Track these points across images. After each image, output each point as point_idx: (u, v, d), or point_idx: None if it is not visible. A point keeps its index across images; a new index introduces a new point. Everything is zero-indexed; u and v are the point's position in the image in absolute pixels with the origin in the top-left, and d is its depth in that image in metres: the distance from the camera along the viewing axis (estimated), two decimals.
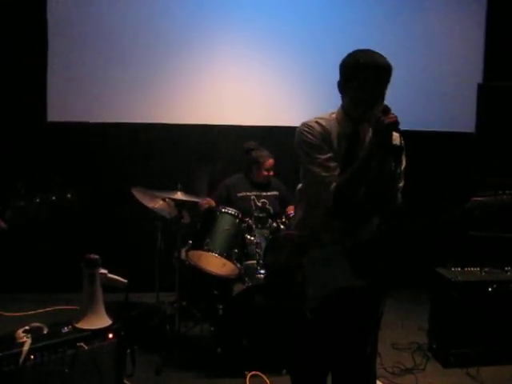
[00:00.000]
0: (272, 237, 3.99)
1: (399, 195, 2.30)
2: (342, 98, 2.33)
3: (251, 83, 5.27)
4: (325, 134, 2.28)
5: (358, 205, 2.23)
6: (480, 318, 3.97)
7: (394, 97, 2.30)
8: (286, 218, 4.16)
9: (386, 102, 2.18)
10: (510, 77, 5.07)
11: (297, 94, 5.27)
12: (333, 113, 2.37)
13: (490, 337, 3.98)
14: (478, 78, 5.49)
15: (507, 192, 2.72)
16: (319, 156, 2.25)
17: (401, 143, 2.12)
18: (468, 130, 5.16)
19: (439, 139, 5.42)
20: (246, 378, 3.53)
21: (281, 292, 2.50)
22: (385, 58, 2.21)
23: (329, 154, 2.25)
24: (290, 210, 4.36)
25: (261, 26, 5.23)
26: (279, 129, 5.09)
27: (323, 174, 2.23)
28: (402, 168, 2.22)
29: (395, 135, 2.11)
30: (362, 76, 2.18)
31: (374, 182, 2.16)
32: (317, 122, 2.31)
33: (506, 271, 4.26)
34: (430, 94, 5.44)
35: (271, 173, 4.51)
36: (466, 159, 5.04)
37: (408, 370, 3.86)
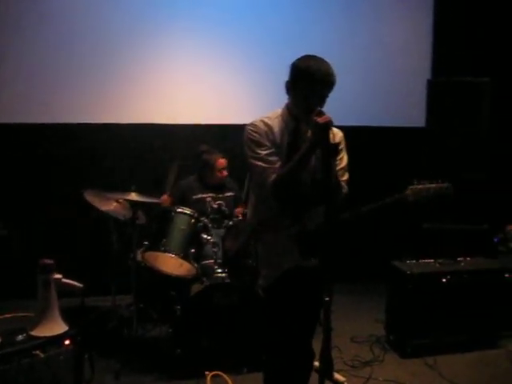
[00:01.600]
0: (230, 224, 4.00)
1: (345, 186, 2.54)
2: (288, 97, 2.55)
3: (205, 82, 5.22)
4: (268, 130, 2.51)
5: (303, 194, 2.48)
6: (435, 309, 4.07)
7: (347, 94, 2.37)
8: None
9: (340, 99, 2.36)
10: (457, 72, 5.20)
11: (251, 92, 5.27)
12: (278, 111, 2.60)
13: (445, 326, 4.08)
14: (427, 73, 5.60)
15: (444, 181, 2.79)
16: (261, 151, 2.47)
17: (335, 142, 2.37)
18: (419, 125, 5.25)
19: (391, 134, 5.50)
20: (206, 378, 3.50)
21: (237, 274, 2.63)
22: (332, 69, 2.42)
23: (270, 150, 2.48)
24: (238, 213, 4.37)
25: (215, 25, 5.20)
26: (234, 127, 5.05)
27: (264, 165, 2.45)
28: (345, 163, 2.57)
29: (332, 133, 2.31)
30: (310, 82, 2.39)
31: (318, 173, 2.41)
32: (262, 120, 2.54)
33: (459, 262, 4.37)
34: (381, 90, 5.52)
35: (224, 173, 4.48)
36: (417, 153, 5.13)
37: (367, 363, 3.92)
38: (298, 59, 2.47)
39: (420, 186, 2.84)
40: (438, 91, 5.00)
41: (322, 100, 2.43)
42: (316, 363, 2.63)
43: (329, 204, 2.23)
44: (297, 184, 2.44)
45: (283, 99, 2.58)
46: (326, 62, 2.43)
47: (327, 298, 2.16)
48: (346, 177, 2.57)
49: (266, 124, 2.52)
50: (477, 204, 5.23)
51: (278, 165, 2.45)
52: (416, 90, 5.31)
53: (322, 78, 2.38)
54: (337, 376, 3.63)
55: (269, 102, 2.82)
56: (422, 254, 4.47)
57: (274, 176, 2.42)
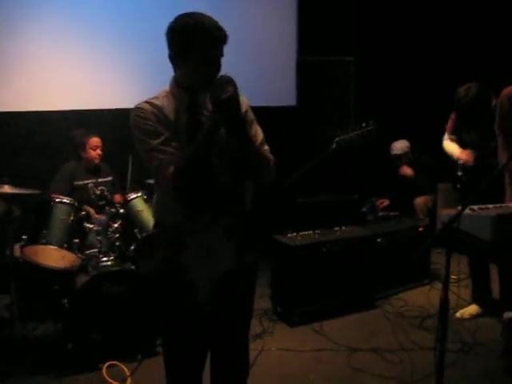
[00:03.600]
0: (136, 242, 3.84)
1: (271, 157, 2.25)
2: (175, 70, 2.15)
3: (78, 66, 4.99)
4: (159, 113, 2.10)
5: (212, 184, 2.10)
6: (318, 277, 4.28)
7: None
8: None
9: None
10: (323, 51, 5.45)
11: (127, 76, 5.12)
12: (166, 89, 2.19)
13: (328, 293, 4.32)
14: (294, 53, 5.76)
15: (366, 125, 2.88)
16: (152, 141, 2.07)
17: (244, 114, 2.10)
18: (290, 103, 5.43)
19: (265, 113, 5.59)
20: (101, 369, 3.41)
21: (168, 294, 2.28)
22: (218, 23, 2.08)
23: (163, 137, 2.07)
24: (118, 199, 4.30)
25: (87, 7, 4.99)
26: (110, 112, 4.89)
27: (160, 157, 2.06)
28: (261, 135, 2.25)
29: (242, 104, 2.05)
30: (196, 40, 2.02)
31: (227, 152, 2.07)
32: (147, 102, 2.13)
33: (336, 231, 4.62)
34: (251, 71, 5.54)
35: (99, 151, 4.39)
36: (291, 130, 5.32)
37: (258, 335, 4.02)
38: (174, 21, 2.08)
39: (344, 137, 2.83)
40: (307, 70, 5.22)
41: (215, 62, 2.09)
42: None
43: (259, 182, 2.08)
44: (202, 173, 2.04)
45: (163, 81, 2.24)
46: (207, 15, 2.09)
47: None
48: (266, 147, 2.27)
49: (154, 106, 2.10)
50: (347, 175, 5.55)
51: (175, 153, 2.07)
52: (286, 70, 5.48)
53: (207, 33, 2.02)
54: None
55: (147, 84, 2.70)
56: (301, 227, 4.66)
57: (172, 168, 2.03)
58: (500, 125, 3.00)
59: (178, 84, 2.16)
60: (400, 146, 5.91)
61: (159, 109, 2.11)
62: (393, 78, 6.07)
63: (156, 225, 2.35)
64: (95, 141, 4.36)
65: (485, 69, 5.34)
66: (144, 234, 3.78)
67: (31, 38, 4.84)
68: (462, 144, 4.13)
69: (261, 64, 5.63)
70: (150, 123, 2.08)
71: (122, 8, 5.13)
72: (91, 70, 5.05)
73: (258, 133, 2.26)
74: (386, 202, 6.01)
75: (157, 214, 2.42)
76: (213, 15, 5.65)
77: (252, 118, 2.27)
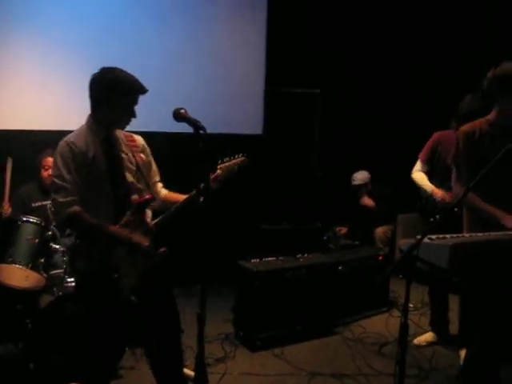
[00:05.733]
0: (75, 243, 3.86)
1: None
2: (96, 109, 2.67)
3: (43, 86, 4.97)
4: (79, 152, 2.56)
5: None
6: (280, 303, 4.36)
7: (193, 103, 2.50)
8: None
9: (184, 104, 2.40)
10: (291, 82, 5.60)
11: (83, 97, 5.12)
12: (82, 127, 2.70)
13: (289, 318, 4.40)
14: (262, 83, 5.89)
15: (242, 155, 2.95)
16: (68, 176, 2.54)
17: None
18: (256, 132, 5.54)
19: (231, 141, 5.69)
20: None
21: (98, 292, 2.59)
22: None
23: (77, 177, 2.54)
24: None
25: (53, 27, 4.98)
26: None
27: (67, 192, 2.52)
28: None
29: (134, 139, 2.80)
30: (129, 92, 2.59)
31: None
32: (71, 142, 2.59)
33: (298, 258, 4.71)
34: (219, 99, 5.65)
35: (49, 171, 4.21)
36: (256, 159, 5.41)
37: (220, 360, 4.06)
38: (106, 72, 2.62)
39: (227, 163, 2.89)
40: (274, 101, 5.36)
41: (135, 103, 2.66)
42: (190, 372, 2.76)
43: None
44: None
45: None
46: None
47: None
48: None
49: (76, 145, 2.57)
50: (310, 204, 5.67)
51: (76, 195, 2.54)
52: (253, 100, 5.59)
53: (139, 87, 2.61)
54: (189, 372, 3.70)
55: None
56: (264, 253, 4.74)
57: (72, 208, 2.52)
58: (454, 159, 3.15)
59: (97, 120, 2.67)
60: (360, 176, 6.10)
61: (79, 148, 2.58)
62: (356, 110, 6.29)
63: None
64: (48, 160, 4.25)
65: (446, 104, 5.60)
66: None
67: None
68: (432, 174, 4.27)
69: (228, 92, 5.72)
70: (71, 159, 2.54)
71: (92, 38, 5.12)
72: (57, 91, 5.03)
73: (156, 173, 2.94)
74: (344, 230, 6.15)
75: None
76: (184, 42, 5.80)
77: (151, 158, 2.91)
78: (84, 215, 2.54)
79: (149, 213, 2.76)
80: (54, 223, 4.03)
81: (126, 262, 2.60)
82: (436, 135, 4.29)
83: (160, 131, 2.93)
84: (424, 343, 4.28)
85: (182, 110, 2.40)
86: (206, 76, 5.61)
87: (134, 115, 2.65)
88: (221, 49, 5.76)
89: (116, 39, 5.19)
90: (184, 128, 2.45)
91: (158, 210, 2.84)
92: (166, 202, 2.86)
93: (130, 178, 2.68)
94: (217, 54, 5.72)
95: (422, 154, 4.34)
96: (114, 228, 2.57)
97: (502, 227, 2.84)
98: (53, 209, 2.66)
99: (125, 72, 2.62)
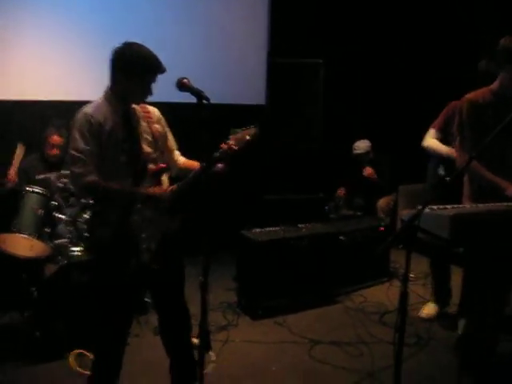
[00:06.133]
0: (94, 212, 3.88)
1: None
2: (116, 82, 2.65)
3: (53, 58, 4.93)
4: (96, 122, 2.56)
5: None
6: (282, 272, 4.41)
7: (196, 73, 2.51)
8: None
9: (187, 75, 2.43)
10: (292, 53, 5.56)
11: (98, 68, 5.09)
12: (101, 98, 2.68)
13: (291, 288, 4.45)
14: (264, 53, 5.84)
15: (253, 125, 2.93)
16: (85, 146, 2.54)
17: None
18: (260, 103, 5.52)
19: (234, 111, 5.68)
20: (69, 358, 3.45)
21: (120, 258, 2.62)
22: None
23: (95, 147, 2.55)
24: None
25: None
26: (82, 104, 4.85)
27: (84, 162, 2.53)
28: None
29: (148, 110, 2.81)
30: (149, 69, 2.59)
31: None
32: (90, 113, 2.57)
33: (300, 228, 4.75)
34: (222, 70, 5.62)
35: (55, 151, 4.34)
36: (259, 128, 5.42)
37: (222, 327, 4.13)
38: (129, 47, 2.60)
39: (239, 134, 2.88)
40: (277, 71, 5.33)
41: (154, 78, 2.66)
42: (195, 340, 2.81)
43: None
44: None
45: None
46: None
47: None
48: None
49: (93, 117, 2.57)
50: (312, 174, 5.69)
51: (92, 165, 2.55)
52: (256, 70, 5.56)
53: (158, 65, 2.60)
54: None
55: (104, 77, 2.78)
56: (267, 223, 4.78)
57: (90, 177, 2.53)
58: (458, 128, 3.15)
59: (115, 94, 2.67)
60: (362, 145, 6.09)
61: (96, 119, 2.57)
62: (359, 80, 6.27)
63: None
64: (55, 139, 4.30)
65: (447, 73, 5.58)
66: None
67: (5, 25, 4.77)
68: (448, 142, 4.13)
69: (232, 63, 5.69)
70: (89, 130, 2.55)
71: (99, 11, 5.11)
72: (66, 62, 5.00)
73: (173, 142, 2.96)
74: (343, 191, 6.18)
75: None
76: (185, 14, 5.73)
77: (167, 129, 2.91)
78: (101, 182, 2.57)
79: (165, 181, 2.80)
80: (57, 194, 4.08)
81: (146, 228, 2.64)
82: (453, 103, 4.10)
83: (160, 101, 2.91)
84: (425, 315, 4.29)
85: (185, 80, 2.41)
86: (209, 46, 5.57)
87: (151, 92, 2.67)
88: (223, 19, 5.70)
89: (117, 10, 5.16)
90: (186, 98, 2.46)
91: (175, 177, 2.88)
92: (184, 170, 2.89)
93: (146, 148, 2.72)
94: (219, 25, 5.68)
95: (436, 123, 4.24)
96: (134, 188, 2.64)
97: (505, 197, 2.85)
98: (70, 180, 2.75)
99: (147, 49, 2.63)
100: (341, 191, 6.19)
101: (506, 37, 2.97)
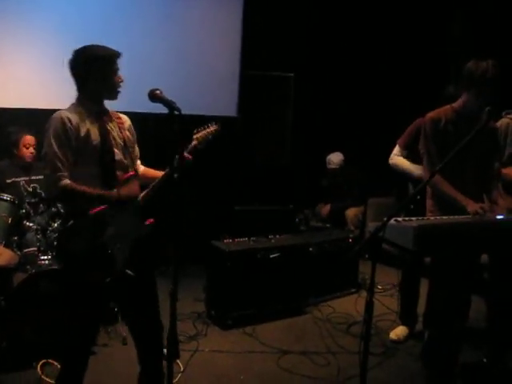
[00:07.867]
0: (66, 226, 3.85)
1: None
2: (83, 86, 2.67)
3: (17, 64, 4.91)
4: (71, 125, 2.56)
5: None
6: (252, 283, 4.44)
7: (169, 84, 2.55)
8: None
9: (160, 86, 2.45)
10: (265, 66, 5.64)
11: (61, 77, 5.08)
12: (74, 103, 2.69)
13: (261, 298, 4.49)
14: (237, 66, 5.91)
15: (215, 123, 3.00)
16: (59, 150, 2.54)
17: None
18: (231, 114, 5.57)
19: (206, 122, 5.69)
20: (36, 368, 3.42)
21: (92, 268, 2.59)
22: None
23: (69, 150, 2.55)
24: None
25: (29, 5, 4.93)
26: (44, 112, 4.80)
27: (58, 165, 2.53)
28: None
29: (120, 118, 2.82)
30: (110, 65, 2.63)
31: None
32: (65, 115, 2.58)
33: (270, 239, 4.80)
34: (194, 80, 5.67)
35: (31, 150, 4.33)
36: (230, 140, 5.47)
37: (192, 337, 4.14)
38: (78, 51, 2.64)
39: (201, 133, 2.95)
40: (249, 83, 5.41)
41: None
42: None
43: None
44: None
45: None
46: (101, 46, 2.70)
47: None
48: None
49: (70, 120, 2.57)
50: (282, 186, 5.75)
51: (66, 169, 2.55)
52: (229, 82, 5.61)
53: (111, 53, 2.65)
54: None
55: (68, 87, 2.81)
56: (237, 234, 4.81)
57: (65, 181, 2.53)
58: (424, 146, 3.25)
59: (87, 96, 2.68)
60: (336, 160, 6.19)
61: (71, 122, 2.58)
62: (329, 94, 6.38)
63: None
64: (28, 139, 4.30)
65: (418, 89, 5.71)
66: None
67: None
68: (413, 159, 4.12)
69: (204, 74, 5.73)
70: (63, 133, 2.55)
71: (69, 19, 5.07)
72: (34, 68, 4.98)
73: (137, 151, 2.95)
74: (327, 209, 6.27)
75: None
76: (159, 26, 5.73)
77: (134, 138, 2.91)
78: (76, 186, 2.56)
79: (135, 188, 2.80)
80: (27, 200, 4.06)
81: (120, 237, 2.63)
82: (418, 121, 4.12)
83: (131, 111, 2.94)
84: (396, 337, 4.16)
85: (158, 91, 2.45)
86: (182, 57, 5.61)
87: (120, 80, 2.69)
88: (197, 31, 5.75)
89: (92, 20, 5.12)
90: (156, 108, 2.50)
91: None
92: (144, 179, 2.90)
93: (118, 154, 2.73)
94: (193, 37, 5.72)
95: (401, 140, 4.27)
96: (110, 191, 2.64)
97: (465, 212, 2.95)
98: (44, 184, 2.64)
99: (94, 45, 2.67)
100: (325, 209, 6.27)
101: (472, 60, 3.08)
